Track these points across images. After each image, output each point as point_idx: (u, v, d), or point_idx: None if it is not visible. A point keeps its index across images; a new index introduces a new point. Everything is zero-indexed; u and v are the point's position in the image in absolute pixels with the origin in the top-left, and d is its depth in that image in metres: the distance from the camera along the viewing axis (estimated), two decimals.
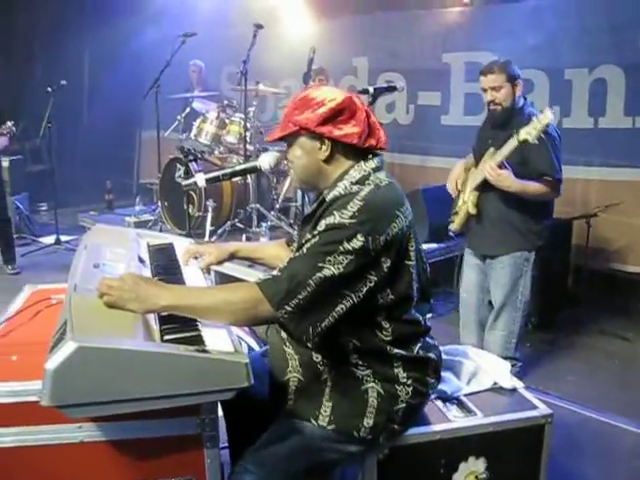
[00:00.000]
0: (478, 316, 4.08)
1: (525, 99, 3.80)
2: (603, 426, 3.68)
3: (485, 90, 3.72)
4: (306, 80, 5.13)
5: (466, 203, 3.84)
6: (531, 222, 3.77)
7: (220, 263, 2.57)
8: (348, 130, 2.03)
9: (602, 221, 5.18)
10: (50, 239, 7.48)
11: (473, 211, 3.79)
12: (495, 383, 2.53)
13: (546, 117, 3.38)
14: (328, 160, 2.07)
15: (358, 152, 2.08)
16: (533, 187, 3.61)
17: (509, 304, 3.86)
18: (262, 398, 2.15)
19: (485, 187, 3.71)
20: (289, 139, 2.12)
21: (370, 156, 2.10)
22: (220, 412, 2.04)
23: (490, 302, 4.02)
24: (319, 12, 7.78)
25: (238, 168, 2.79)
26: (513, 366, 3.56)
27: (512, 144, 3.52)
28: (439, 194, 4.62)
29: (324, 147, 2.05)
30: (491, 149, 3.70)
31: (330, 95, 2.05)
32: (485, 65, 3.77)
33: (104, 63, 9.41)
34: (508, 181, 3.57)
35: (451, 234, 4.08)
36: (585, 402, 3.89)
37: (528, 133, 3.41)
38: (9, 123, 6.15)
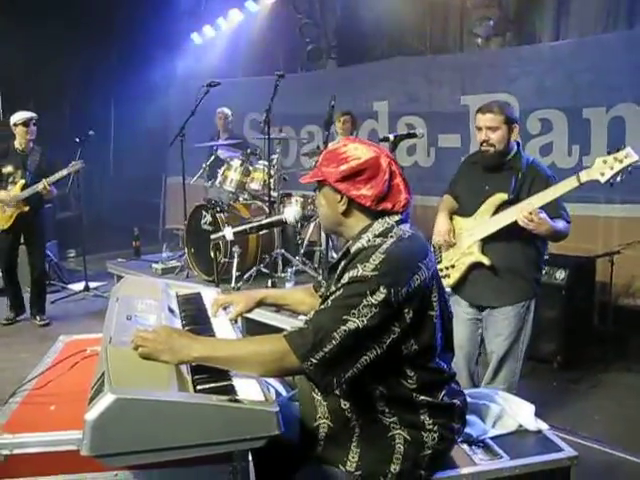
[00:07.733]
0: (469, 372, 3.81)
1: (519, 144, 3.58)
2: (631, 466, 3.67)
3: (480, 129, 3.48)
4: (327, 127, 5.20)
5: (470, 254, 3.57)
6: (534, 269, 3.59)
7: (249, 312, 2.64)
8: (364, 192, 2.09)
9: (625, 258, 5.16)
10: (79, 286, 7.63)
11: (488, 262, 3.50)
12: (520, 425, 2.54)
13: (631, 157, 3.09)
14: (346, 214, 2.15)
15: (373, 213, 2.13)
16: (560, 228, 3.38)
17: (510, 356, 3.61)
18: (290, 443, 2.17)
19: (491, 236, 3.50)
20: (318, 185, 2.21)
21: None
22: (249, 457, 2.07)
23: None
24: (340, 59, 7.95)
25: (264, 222, 2.86)
26: None
27: (568, 185, 3.26)
28: None
29: (342, 201, 2.13)
30: (501, 194, 3.46)
31: (356, 153, 2.11)
32: (484, 104, 3.54)
33: (129, 112, 9.65)
34: (547, 225, 3.28)
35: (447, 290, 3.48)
36: (613, 441, 3.88)
37: (601, 174, 3.14)
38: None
